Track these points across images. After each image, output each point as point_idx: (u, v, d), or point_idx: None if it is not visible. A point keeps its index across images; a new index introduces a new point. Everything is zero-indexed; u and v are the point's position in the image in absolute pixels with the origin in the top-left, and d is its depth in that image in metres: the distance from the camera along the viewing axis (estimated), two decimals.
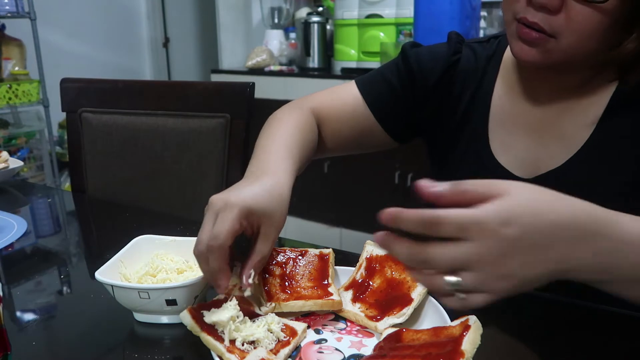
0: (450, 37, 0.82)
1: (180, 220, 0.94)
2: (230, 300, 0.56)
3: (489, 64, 0.79)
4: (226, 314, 0.54)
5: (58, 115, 1.88)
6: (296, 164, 0.70)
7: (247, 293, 0.59)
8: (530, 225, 0.44)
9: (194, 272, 0.67)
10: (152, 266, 0.67)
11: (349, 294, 0.65)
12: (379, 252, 0.67)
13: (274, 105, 0.88)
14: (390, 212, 0.46)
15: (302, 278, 0.66)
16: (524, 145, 0.75)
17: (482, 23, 2.31)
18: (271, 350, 0.54)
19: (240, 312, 0.56)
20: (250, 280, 0.58)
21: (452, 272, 0.45)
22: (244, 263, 0.59)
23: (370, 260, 0.67)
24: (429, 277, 0.46)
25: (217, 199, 0.58)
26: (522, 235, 0.44)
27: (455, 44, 0.81)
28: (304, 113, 0.81)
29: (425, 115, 0.83)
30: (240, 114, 1.20)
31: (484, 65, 0.79)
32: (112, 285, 0.60)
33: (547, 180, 0.72)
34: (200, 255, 0.57)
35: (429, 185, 0.45)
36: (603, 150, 0.69)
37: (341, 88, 0.86)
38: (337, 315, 0.63)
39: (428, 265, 0.45)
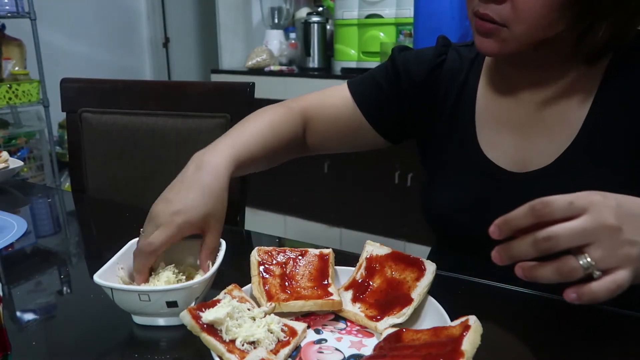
0: (438, 40, 0.86)
1: None
2: (224, 298, 0.57)
3: (473, 65, 0.82)
4: (222, 310, 0.54)
5: (58, 115, 1.88)
6: (244, 156, 0.72)
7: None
8: (623, 198, 0.48)
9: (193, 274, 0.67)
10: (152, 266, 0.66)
11: (349, 294, 0.65)
12: (379, 252, 0.67)
13: None
14: (497, 223, 0.49)
15: (302, 278, 0.66)
16: (511, 142, 0.76)
17: None
18: (271, 351, 0.54)
19: (238, 308, 0.56)
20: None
21: (578, 252, 0.46)
22: (200, 256, 0.65)
23: (370, 260, 0.67)
24: (561, 264, 0.46)
25: (161, 214, 0.63)
26: (622, 204, 0.47)
27: (441, 47, 0.84)
28: (288, 111, 0.84)
29: (413, 114, 0.86)
30: (240, 114, 1.18)
31: (468, 66, 0.82)
32: (111, 288, 0.59)
33: (536, 177, 0.73)
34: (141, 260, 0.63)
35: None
36: (592, 151, 0.70)
37: (333, 89, 0.89)
38: (337, 315, 0.63)
39: (552, 242, 0.46)
